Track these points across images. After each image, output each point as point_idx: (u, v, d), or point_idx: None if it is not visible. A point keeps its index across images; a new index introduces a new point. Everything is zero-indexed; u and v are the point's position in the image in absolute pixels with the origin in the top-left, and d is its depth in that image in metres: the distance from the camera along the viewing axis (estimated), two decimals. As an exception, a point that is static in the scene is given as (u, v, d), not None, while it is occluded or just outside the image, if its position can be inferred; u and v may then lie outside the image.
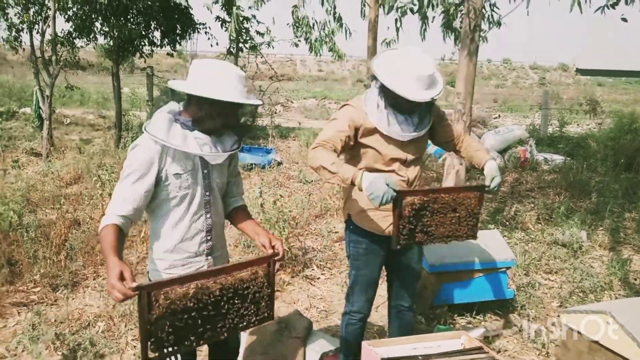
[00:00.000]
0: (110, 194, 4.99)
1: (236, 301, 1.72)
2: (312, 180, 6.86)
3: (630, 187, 6.39)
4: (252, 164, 7.49)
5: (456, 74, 4.43)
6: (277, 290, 3.82)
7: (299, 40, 8.86)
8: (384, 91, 2.22)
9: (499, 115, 15.79)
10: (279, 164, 7.91)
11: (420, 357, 2.29)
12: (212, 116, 1.79)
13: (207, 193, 1.90)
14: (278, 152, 8.62)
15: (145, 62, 9.99)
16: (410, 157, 2.36)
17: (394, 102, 2.21)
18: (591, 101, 15.55)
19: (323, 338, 2.94)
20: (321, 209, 5.66)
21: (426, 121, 2.34)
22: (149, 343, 1.55)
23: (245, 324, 1.77)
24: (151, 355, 1.55)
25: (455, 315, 3.41)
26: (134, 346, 3.05)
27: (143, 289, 1.51)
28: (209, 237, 1.94)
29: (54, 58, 7.79)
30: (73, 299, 3.64)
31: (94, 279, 3.92)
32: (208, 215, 1.92)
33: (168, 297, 1.55)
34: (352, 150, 2.36)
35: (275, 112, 11.15)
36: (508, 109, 18.01)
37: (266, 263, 1.80)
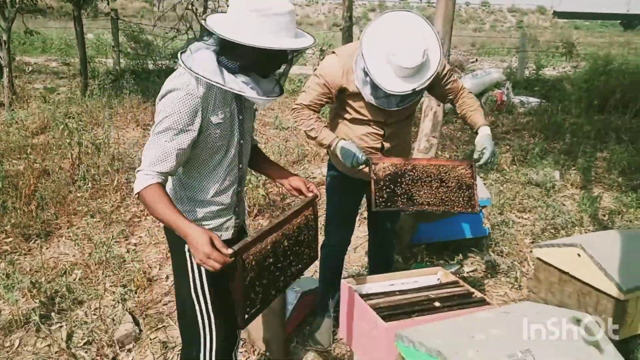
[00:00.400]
0: (79, 143, 4.83)
1: (297, 248, 1.78)
2: (288, 127, 6.76)
3: (602, 128, 6.50)
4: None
5: (434, 14, 4.30)
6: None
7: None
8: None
9: (477, 60, 15.68)
10: (255, 110, 7.74)
11: (397, 293, 2.34)
12: (264, 63, 1.57)
13: (242, 141, 1.73)
14: (253, 98, 8.43)
15: (108, 5, 9.45)
16: (391, 119, 2.31)
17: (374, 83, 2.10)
18: (567, 44, 15.52)
19: (303, 278, 2.96)
20: (298, 155, 5.61)
21: (416, 93, 2.21)
22: (247, 307, 1.54)
23: (302, 266, 1.84)
24: (247, 318, 1.54)
25: (432, 254, 3.48)
26: (113, 292, 3.04)
27: (238, 254, 1.44)
28: (239, 189, 1.80)
29: (8, 0, 7.27)
30: (47, 248, 3.58)
31: (68, 229, 3.84)
32: (240, 166, 1.77)
33: (255, 257, 1.54)
34: (339, 101, 2.32)
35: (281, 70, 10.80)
36: (486, 52, 17.88)
37: (311, 206, 1.84)
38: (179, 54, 1.56)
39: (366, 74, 2.11)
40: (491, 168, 2.24)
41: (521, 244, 3.64)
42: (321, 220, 2.74)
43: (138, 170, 1.52)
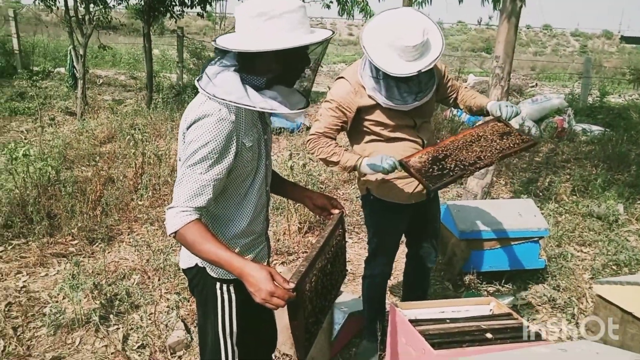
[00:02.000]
0: (143, 153, 5.08)
1: (334, 268, 1.76)
2: (341, 146, 6.81)
3: (672, 160, 6.13)
4: (281, 128, 7.48)
5: (495, 37, 4.26)
6: (306, 252, 3.87)
7: (331, 2, 8.68)
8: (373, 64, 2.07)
9: (536, 84, 15.24)
10: (308, 128, 7.87)
11: (448, 320, 2.30)
12: (290, 68, 1.50)
13: (267, 162, 1.64)
14: (307, 116, 8.57)
15: (175, 23, 9.96)
16: (419, 120, 2.30)
17: (383, 74, 2.08)
18: (636, 70, 14.82)
19: (351, 299, 2.97)
20: (350, 174, 5.63)
21: (430, 85, 2.22)
22: (307, 340, 1.50)
23: (339, 285, 1.83)
24: (307, 347, 1.50)
25: (484, 283, 3.39)
26: (167, 298, 3.16)
27: (299, 287, 1.39)
28: (267, 213, 1.72)
29: (87, 17, 7.84)
30: (109, 252, 3.78)
31: (128, 235, 4.04)
32: (267, 189, 1.69)
33: (310, 286, 1.52)
34: (355, 124, 2.29)
35: (305, 76, 11.02)
36: (546, 77, 17.35)
37: (341, 223, 1.81)
38: (195, 82, 1.50)
39: (375, 73, 2.11)
40: (516, 113, 2.19)
41: (580, 279, 3.47)
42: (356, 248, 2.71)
43: (170, 208, 1.42)
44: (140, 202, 4.50)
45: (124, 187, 4.69)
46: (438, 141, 2.30)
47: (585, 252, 3.94)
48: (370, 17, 8.07)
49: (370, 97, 2.17)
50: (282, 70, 1.49)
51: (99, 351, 2.68)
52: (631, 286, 2.32)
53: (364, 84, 2.17)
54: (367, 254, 2.62)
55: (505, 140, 2.17)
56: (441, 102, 2.51)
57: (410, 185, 2.36)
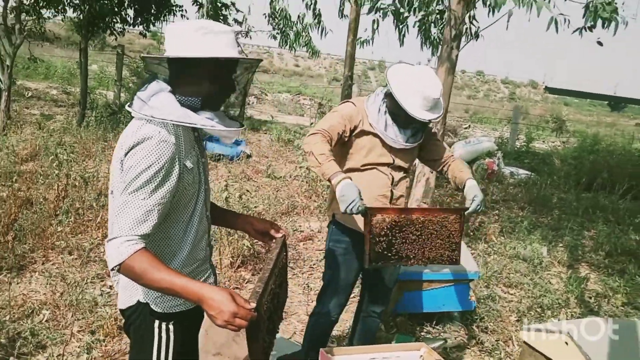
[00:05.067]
0: (67, 175, 4.75)
1: (279, 291, 1.73)
2: (280, 176, 6.75)
3: (589, 206, 6.57)
4: (220, 155, 7.32)
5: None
6: (237, 288, 3.71)
7: (277, 33, 8.75)
8: (390, 100, 2.28)
9: (469, 126, 16.06)
10: (248, 156, 7.76)
11: (378, 367, 2.24)
12: (221, 86, 1.49)
13: (206, 187, 1.60)
14: (248, 144, 8.47)
15: (116, 40, 9.64)
16: (398, 161, 2.41)
17: (396, 112, 2.28)
18: (558, 120, 16.04)
19: (280, 341, 2.85)
20: (288, 206, 5.56)
21: (419, 136, 2.42)
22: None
23: (281, 310, 1.81)
24: None
25: (415, 324, 3.39)
26: (80, 338, 2.89)
27: (259, 307, 1.37)
28: (209, 239, 1.66)
29: (17, 27, 7.39)
30: (18, 283, 3.43)
31: (43, 264, 3.71)
32: (207, 214, 1.63)
33: (267, 307, 1.51)
34: (344, 145, 2.38)
35: (249, 104, 10.98)
36: (478, 120, 18.37)
37: (284, 246, 1.79)
38: (127, 107, 1.44)
39: (379, 109, 2.32)
40: (481, 211, 2.35)
41: (506, 321, 3.56)
42: (302, 278, 2.66)
43: (111, 239, 1.33)
44: (59, 229, 4.16)
45: (42, 211, 4.33)
46: (409, 205, 2.40)
47: (512, 294, 4.06)
48: (314, 52, 8.18)
49: (370, 124, 2.33)
50: (214, 90, 1.48)
51: (-8, 400, 2.37)
52: (555, 334, 2.37)
53: (368, 113, 2.34)
54: (301, 293, 2.55)
55: (447, 246, 2.32)
56: (427, 163, 2.68)
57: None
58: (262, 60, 1.66)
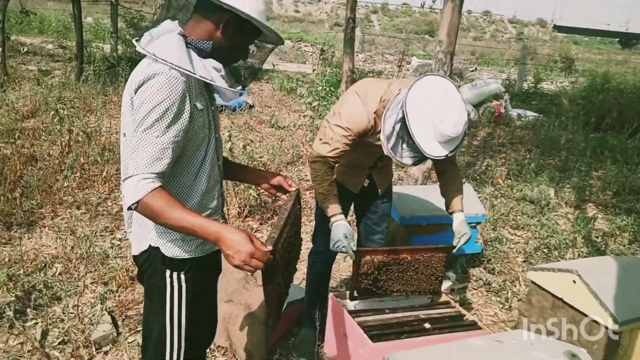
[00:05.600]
0: (70, 130, 4.71)
1: (294, 241, 1.74)
2: (284, 126, 6.67)
3: (598, 146, 6.49)
4: (222, 106, 7.21)
5: (439, 21, 4.24)
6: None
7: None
8: (404, 126, 2.03)
9: (476, 69, 15.70)
10: (251, 107, 7.65)
11: (387, 310, 2.28)
12: (240, 45, 1.46)
13: (217, 136, 1.57)
14: (250, 94, 8.33)
15: (109, -11, 9.31)
16: (380, 163, 2.44)
17: (407, 140, 2.05)
18: (567, 59, 15.59)
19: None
20: (293, 156, 5.53)
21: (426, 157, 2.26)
22: (279, 307, 1.53)
23: (296, 261, 1.82)
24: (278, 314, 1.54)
25: (423, 267, 3.42)
26: (93, 290, 2.94)
27: (275, 251, 1.38)
28: (222, 189, 1.63)
29: (6, -22, 7.12)
30: (29, 238, 3.47)
31: (52, 219, 3.74)
32: (219, 164, 1.60)
33: (282, 253, 1.51)
34: None
35: (249, 52, 10.71)
36: (485, 62, 17.91)
37: (298, 199, 1.79)
38: (133, 41, 1.41)
39: (394, 128, 2.06)
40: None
41: (513, 262, 3.59)
42: (310, 227, 2.67)
43: (128, 178, 1.31)
44: (66, 184, 4.17)
45: (47, 167, 4.33)
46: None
47: (518, 236, 4.08)
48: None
49: (379, 137, 2.12)
50: (228, 44, 1.44)
51: (12, 350, 2.44)
52: (562, 273, 2.38)
53: (383, 128, 2.09)
54: (308, 240, 2.56)
55: (430, 280, 2.37)
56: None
57: (359, 177, 2.43)
58: (283, 42, 1.57)
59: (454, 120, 1.97)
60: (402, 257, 2.27)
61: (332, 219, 2.19)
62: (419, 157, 2.08)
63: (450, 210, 2.31)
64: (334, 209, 2.20)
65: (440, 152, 2.02)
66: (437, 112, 1.97)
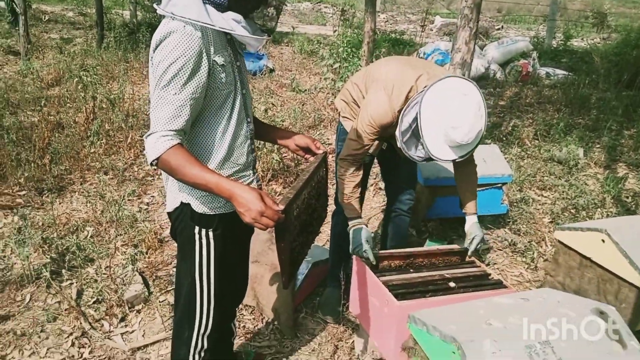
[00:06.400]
0: (94, 97, 4.76)
1: (317, 204, 1.76)
2: (305, 90, 6.60)
3: (630, 104, 6.24)
4: (243, 70, 7.14)
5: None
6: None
7: None
8: (417, 127, 2.01)
9: (502, 27, 15.12)
10: (271, 71, 7.57)
11: (411, 270, 2.29)
12: None
13: (244, 91, 1.57)
14: (270, 58, 8.23)
15: (126, -47, 9.18)
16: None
17: (419, 139, 2.03)
18: (598, 14, 14.85)
19: (314, 248, 2.92)
20: (315, 119, 5.48)
21: None
22: (292, 265, 1.55)
23: (319, 224, 1.84)
24: (290, 278, 1.56)
25: (448, 228, 3.41)
26: (124, 251, 3.03)
27: (288, 210, 1.40)
28: (252, 146, 1.65)
29: (24, -56, 7.07)
30: (60, 203, 3.57)
31: (81, 184, 3.83)
32: (249, 120, 1.61)
33: (296, 213, 1.54)
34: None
35: (268, 11, 10.51)
36: (512, 19, 17.23)
37: (325, 162, 1.81)
38: (155, 5, 1.44)
39: (410, 125, 2.05)
40: (478, 253, 2.54)
41: (540, 223, 3.54)
42: (333, 189, 2.69)
43: (149, 135, 1.35)
44: (92, 150, 4.24)
45: (74, 134, 4.41)
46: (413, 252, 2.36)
47: (545, 197, 4.01)
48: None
49: (396, 133, 2.14)
50: None
51: (51, 308, 2.56)
52: (590, 232, 2.34)
53: (400, 120, 2.10)
54: (332, 203, 2.57)
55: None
56: None
57: (376, 148, 2.37)
58: None
59: (467, 128, 1.92)
60: (419, 261, 2.32)
61: (351, 222, 2.25)
62: (429, 157, 2.06)
63: (463, 211, 2.34)
64: (354, 211, 2.26)
65: (449, 155, 2.00)
66: (450, 118, 1.93)
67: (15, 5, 7.56)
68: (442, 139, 1.97)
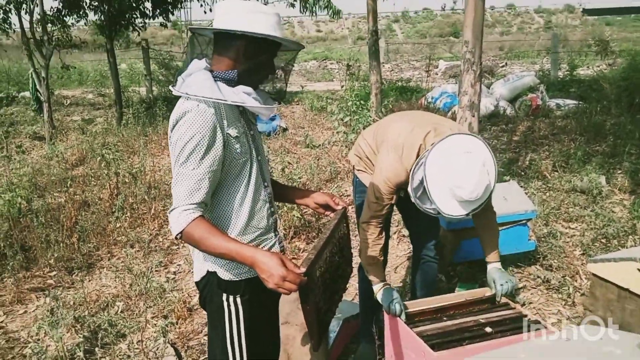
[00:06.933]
0: (117, 173, 4.92)
1: (341, 260, 1.78)
2: (319, 145, 6.73)
3: (646, 127, 6.19)
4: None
5: (463, 21, 4.21)
6: (294, 258, 3.78)
7: (295, 0, 8.58)
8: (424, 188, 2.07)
9: (506, 64, 15.38)
10: (285, 130, 7.77)
11: (445, 318, 2.24)
12: (264, 62, 1.54)
13: (259, 158, 1.63)
14: (282, 118, 8.46)
15: (139, 35, 9.75)
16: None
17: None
18: (601, 41, 15.04)
19: (343, 303, 2.89)
20: (331, 173, 5.56)
21: None
22: (320, 327, 1.56)
23: (345, 280, 1.89)
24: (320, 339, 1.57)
25: (476, 271, 3.34)
26: (154, 324, 3.03)
27: (310, 273, 1.43)
28: (272, 209, 1.69)
29: (45, 38, 7.59)
30: (89, 280, 3.63)
31: (109, 260, 3.90)
32: (266, 184, 1.66)
33: (321, 273, 1.56)
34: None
35: (277, 77, 10.91)
36: (515, 56, 17.52)
37: (345, 218, 1.86)
38: (171, 87, 1.55)
39: (424, 188, 2.07)
40: (512, 294, 2.48)
41: (571, 256, 3.45)
42: (357, 242, 2.69)
43: (172, 210, 1.43)
44: (118, 224, 4.35)
45: (100, 211, 4.53)
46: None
47: (573, 229, 3.92)
48: (335, 13, 7.96)
49: (408, 190, 2.19)
50: (253, 67, 1.53)
51: (86, 388, 2.55)
52: (625, 262, 2.28)
53: (410, 178, 2.15)
54: (357, 255, 2.55)
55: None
56: None
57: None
58: (304, 47, 1.67)
59: (471, 185, 1.93)
60: (449, 312, 2.28)
61: (377, 286, 2.28)
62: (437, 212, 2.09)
63: (485, 258, 2.35)
64: (379, 275, 2.29)
65: (459, 211, 2.02)
66: (455, 176, 1.95)
67: (39, 94, 8.01)
68: (449, 196, 1.99)
